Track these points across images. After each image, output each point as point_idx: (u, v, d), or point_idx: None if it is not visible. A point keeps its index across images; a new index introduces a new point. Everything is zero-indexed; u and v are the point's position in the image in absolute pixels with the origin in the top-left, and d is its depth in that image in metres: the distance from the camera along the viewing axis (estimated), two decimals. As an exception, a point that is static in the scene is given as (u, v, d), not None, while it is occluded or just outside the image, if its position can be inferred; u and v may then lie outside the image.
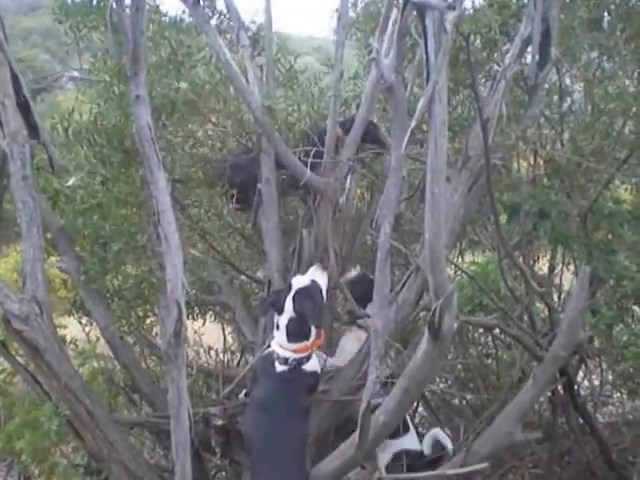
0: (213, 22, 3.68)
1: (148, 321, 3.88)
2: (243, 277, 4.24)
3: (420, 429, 3.76)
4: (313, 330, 2.79)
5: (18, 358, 3.10)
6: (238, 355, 4.54)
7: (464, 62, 3.30)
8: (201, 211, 3.57)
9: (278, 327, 2.80)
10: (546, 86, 3.51)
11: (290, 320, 2.77)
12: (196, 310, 4.27)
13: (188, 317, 3.65)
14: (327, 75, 3.99)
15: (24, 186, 2.69)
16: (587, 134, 3.53)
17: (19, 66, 2.82)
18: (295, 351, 2.76)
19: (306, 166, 3.25)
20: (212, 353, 4.50)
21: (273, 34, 3.73)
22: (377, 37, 2.43)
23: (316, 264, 3.05)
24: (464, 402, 4.28)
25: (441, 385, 4.28)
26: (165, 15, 3.62)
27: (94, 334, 3.73)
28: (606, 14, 3.61)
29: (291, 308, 2.77)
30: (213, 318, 4.56)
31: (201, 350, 4.48)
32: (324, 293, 2.93)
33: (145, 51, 2.40)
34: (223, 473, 3.95)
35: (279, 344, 2.78)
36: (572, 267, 4.07)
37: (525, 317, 3.32)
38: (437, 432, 3.23)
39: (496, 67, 3.35)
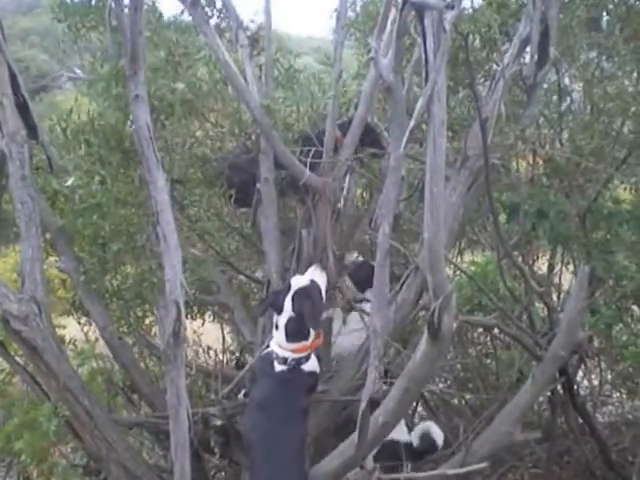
0: (212, 22, 3.67)
1: (147, 321, 3.88)
2: (242, 277, 4.24)
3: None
4: (312, 330, 2.79)
5: (17, 358, 3.10)
6: (237, 355, 4.53)
7: (463, 62, 3.30)
8: (200, 211, 3.56)
9: (277, 327, 2.80)
10: (545, 86, 3.52)
11: (289, 320, 2.76)
12: (195, 310, 4.27)
13: (187, 317, 3.66)
14: (326, 75, 3.99)
15: (23, 186, 2.69)
16: (586, 134, 3.53)
17: (18, 66, 2.82)
18: (294, 351, 2.75)
19: (305, 166, 3.24)
20: (211, 353, 4.50)
21: (272, 34, 3.72)
22: (376, 37, 2.43)
23: (315, 264, 3.05)
24: (463, 402, 4.29)
25: (440, 385, 4.28)
26: (161, 16, 3.62)
27: (93, 334, 3.73)
28: (605, 14, 3.61)
29: (290, 308, 2.76)
30: (212, 318, 4.56)
31: (200, 350, 4.48)
32: (323, 293, 2.93)
33: (144, 51, 2.40)
34: (222, 473, 3.95)
35: (278, 344, 2.78)
36: (571, 267, 4.08)
37: (524, 317, 3.33)
38: (429, 425, 3.25)
39: (495, 67, 3.35)
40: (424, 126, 2.48)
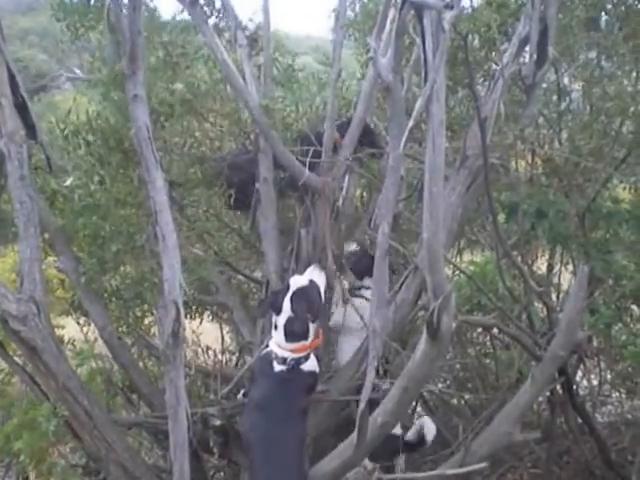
0: (211, 22, 3.67)
1: (146, 321, 3.88)
2: (241, 277, 4.24)
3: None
4: (312, 330, 2.79)
5: (16, 358, 3.10)
6: (236, 355, 4.53)
7: (462, 61, 3.31)
8: (199, 211, 3.56)
9: (276, 327, 2.80)
10: (544, 85, 3.52)
11: (288, 320, 2.76)
12: (194, 310, 4.27)
13: (186, 317, 3.66)
14: (325, 75, 3.99)
15: (21, 186, 2.69)
16: (585, 133, 3.54)
17: (17, 66, 2.81)
18: (293, 351, 2.75)
19: (304, 166, 3.24)
20: (210, 353, 4.50)
21: (271, 33, 3.72)
22: (375, 36, 2.43)
23: (314, 264, 3.05)
24: (462, 402, 4.29)
25: (440, 385, 4.28)
26: (157, 15, 3.62)
27: (92, 334, 3.73)
28: (604, 13, 3.61)
29: (289, 308, 2.77)
30: (211, 318, 4.55)
31: (199, 350, 4.48)
32: (322, 293, 2.93)
33: (143, 50, 2.40)
34: (221, 473, 3.95)
35: (277, 344, 2.78)
36: (570, 267, 4.09)
37: (524, 317, 3.33)
38: (424, 421, 3.24)
39: (494, 66, 3.35)
40: (423, 126, 2.49)
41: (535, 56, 2.94)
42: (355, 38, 4.05)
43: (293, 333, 2.76)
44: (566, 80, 3.82)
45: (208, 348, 4.50)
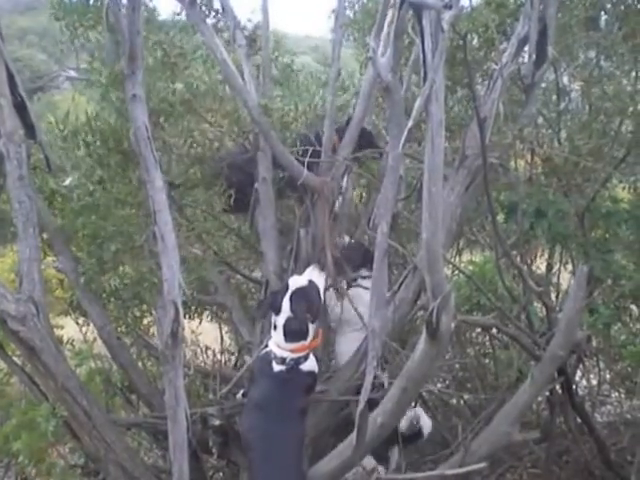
0: (209, 21, 3.66)
1: (145, 321, 3.88)
2: (240, 277, 4.23)
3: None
4: (311, 330, 2.79)
5: (15, 359, 3.10)
6: (235, 355, 4.52)
7: (461, 61, 3.31)
8: (198, 211, 3.56)
9: (275, 327, 2.80)
10: (543, 85, 3.52)
11: (287, 320, 2.76)
12: (193, 310, 4.27)
13: (185, 317, 3.66)
14: (324, 74, 3.99)
15: (20, 186, 2.68)
16: (584, 133, 3.54)
17: (15, 65, 2.81)
18: (293, 351, 2.75)
19: (303, 166, 3.24)
20: (209, 353, 4.49)
21: (270, 33, 3.71)
22: (374, 36, 2.43)
23: (313, 264, 3.05)
24: (462, 402, 4.28)
25: (439, 385, 4.28)
26: (158, 15, 3.62)
27: (91, 334, 3.73)
28: (603, 13, 3.61)
29: (288, 308, 2.76)
30: (210, 318, 4.55)
31: (198, 350, 4.48)
32: (321, 293, 2.92)
33: (142, 50, 2.40)
34: (221, 474, 3.95)
35: (276, 344, 2.78)
36: (570, 266, 4.08)
37: (523, 316, 3.33)
38: (419, 414, 3.24)
39: (493, 66, 3.35)
40: (422, 125, 2.49)
41: (534, 56, 2.94)
42: (354, 38, 4.04)
43: (292, 333, 2.75)
44: (565, 80, 3.81)
45: (207, 348, 4.49)
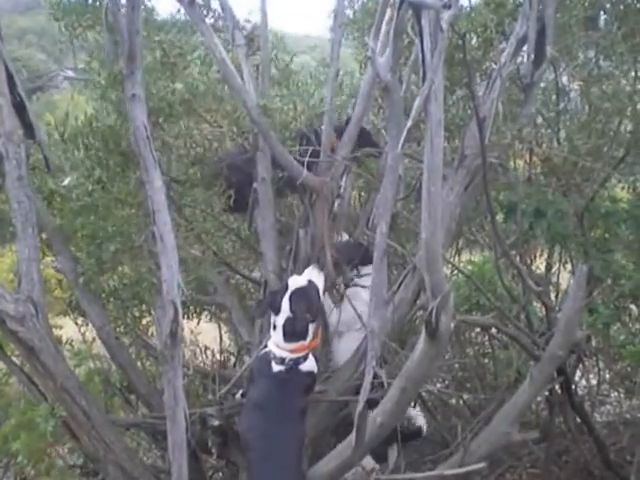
0: (208, 21, 3.66)
1: (144, 321, 3.87)
2: (239, 277, 4.23)
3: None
4: (310, 330, 2.79)
5: (14, 359, 3.10)
6: (235, 355, 4.52)
7: (460, 61, 3.30)
8: (197, 211, 3.55)
9: (275, 327, 2.79)
10: (542, 85, 3.52)
11: (287, 320, 2.76)
12: (192, 310, 4.26)
13: (184, 317, 3.66)
14: (323, 74, 3.98)
15: (19, 186, 2.68)
16: (583, 133, 3.54)
17: (14, 65, 2.81)
18: (292, 351, 2.75)
19: (302, 165, 3.24)
20: (208, 353, 4.49)
21: (269, 33, 3.71)
22: (373, 36, 2.43)
23: (313, 264, 3.05)
24: (461, 402, 4.28)
25: (438, 385, 4.27)
26: (157, 15, 3.62)
27: (90, 334, 3.72)
28: (602, 12, 3.61)
29: (288, 308, 2.76)
30: (209, 318, 4.55)
31: (197, 350, 4.48)
32: (321, 293, 2.92)
33: (141, 50, 2.40)
34: (220, 474, 3.94)
35: (276, 344, 2.78)
36: (569, 266, 4.08)
37: (522, 316, 3.32)
38: (416, 412, 3.24)
39: (492, 66, 3.35)
40: (422, 125, 2.49)
41: (533, 55, 2.94)
42: (354, 37, 4.04)
43: (292, 333, 2.75)
44: (564, 79, 3.81)
45: (206, 348, 4.49)
